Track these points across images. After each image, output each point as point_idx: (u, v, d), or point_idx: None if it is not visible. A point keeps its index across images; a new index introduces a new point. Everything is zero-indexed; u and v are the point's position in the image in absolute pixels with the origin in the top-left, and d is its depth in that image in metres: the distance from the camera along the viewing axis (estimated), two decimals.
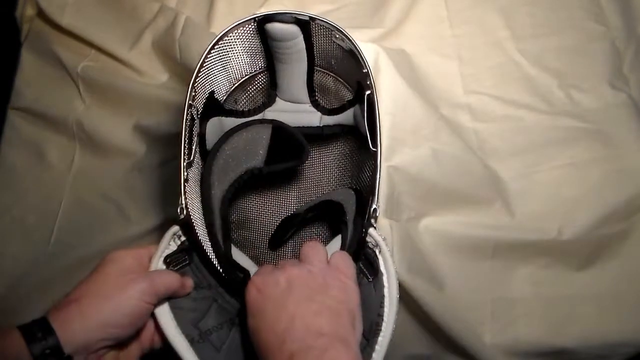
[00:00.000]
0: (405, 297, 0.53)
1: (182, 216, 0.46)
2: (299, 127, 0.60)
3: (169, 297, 0.44)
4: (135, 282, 0.41)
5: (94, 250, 0.64)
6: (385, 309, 0.43)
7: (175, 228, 0.46)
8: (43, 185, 0.70)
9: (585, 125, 0.66)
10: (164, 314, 0.43)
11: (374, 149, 0.49)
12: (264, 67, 0.61)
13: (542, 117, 0.67)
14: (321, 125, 0.60)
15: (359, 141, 0.55)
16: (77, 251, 0.65)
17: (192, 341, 0.42)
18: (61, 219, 0.68)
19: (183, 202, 0.47)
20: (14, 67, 0.74)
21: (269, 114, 0.61)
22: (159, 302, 0.43)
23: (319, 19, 0.52)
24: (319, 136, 0.60)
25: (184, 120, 0.49)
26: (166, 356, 0.44)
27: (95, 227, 0.66)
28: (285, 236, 0.59)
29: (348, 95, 0.59)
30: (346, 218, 0.50)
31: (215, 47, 0.52)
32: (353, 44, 0.52)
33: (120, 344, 0.42)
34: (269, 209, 0.62)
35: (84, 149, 0.71)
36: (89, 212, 0.68)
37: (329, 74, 0.60)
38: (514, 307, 0.58)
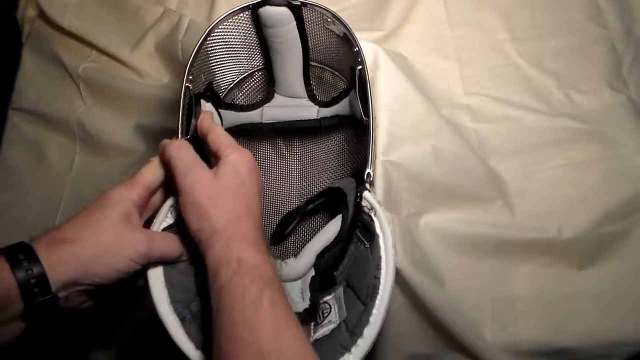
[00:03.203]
0: (408, 292, 0.53)
1: None
2: (296, 120, 0.60)
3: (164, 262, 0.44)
4: (134, 242, 0.41)
5: None
6: (382, 271, 0.43)
7: (172, 200, 0.46)
8: (43, 185, 0.70)
9: (585, 126, 0.67)
10: (159, 291, 0.42)
11: (366, 119, 0.50)
12: (262, 65, 0.61)
13: (542, 118, 0.68)
14: (319, 117, 0.60)
15: (356, 130, 0.56)
16: None
17: (183, 320, 0.42)
18: (61, 219, 0.68)
19: None
20: (15, 67, 0.75)
21: (268, 109, 0.62)
22: (153, 265, 0.43)
23: (310, 3, 0.53)
24: (317, 129, 0.61)
25: (182, 99, 0.49)
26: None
27: None
28: (286, 230, 0.59)
29: (343, 86, 0.60)
30: (347, 200, 0.50)
31: (212, 34, 0.53)
32: (344, 24, 0.53)
33: None
34: (270, 204, 0.63)
35: (85, 149, 0.72)
36: None
37: (324, 68, 0.61)
38: (515, 306, 0.58)
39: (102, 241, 0.40)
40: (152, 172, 0.46)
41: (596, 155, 0.65)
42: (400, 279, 0.52)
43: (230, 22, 0.55)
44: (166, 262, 0.44)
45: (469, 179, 0.61)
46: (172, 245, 0.44)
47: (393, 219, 0.54)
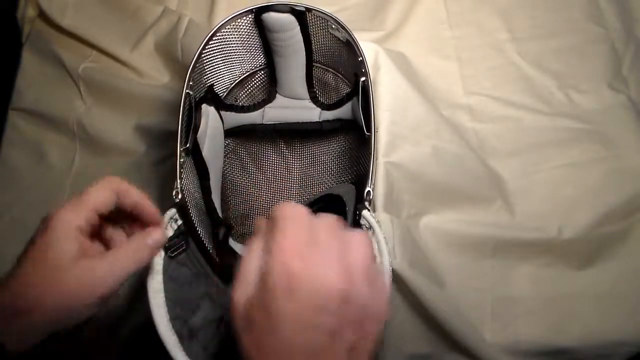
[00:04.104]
0: (408, 293, 0.53)
1: (177, 199, 0.46)
2: (298, 122, 0.60)
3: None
4: (95, 284, 0.35)
5: None
6: None
7: (172, 211, 0.46)
8: (44, 185, 0.70)
9: (585, 126, 0.67)
10: (159, 308, 0.42)
11: (367, 134, 0.50)
12: (264, 64, 0.61)
13: (542, 118, 0.68)
14: (320, 120, 0.60)
15: (358, 135, 0.56)
16: None
17: (181, 338, 0.42)
18: None
19: (179, 185, 0.47)
20: (15, 67, 0.75)
21: (269, 110, 0.61)
22: (152, 278, 0.41)
23: (315, 10, 0.53)
24: (318, 131, 0.61)
25: (182, 106, 0.49)
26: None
27: None
28: None
29: (346, 90, 0.60)
30: (346, 209, 0.50)
31: (214, 38, 0.53)
32: (348, 32, 0.53)
33: None
34: (270, 205, 0.63)
35: (85, 149, 0.71)
36: None
37: (327, 70, 0.61)
38: (514, 306, 0.58)
39: (60, 300, 0.34)
40: (101, 192, 0.38)
41: (596, 155, 0.65)
42: (400, 279, 0.52)
43: (233, 25, 0.55)
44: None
45: (469, 179, 0.61)
46: (136, 256, 0.38)
47: (392, 220, 0.54)
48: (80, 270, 0.35)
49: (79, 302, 0.35)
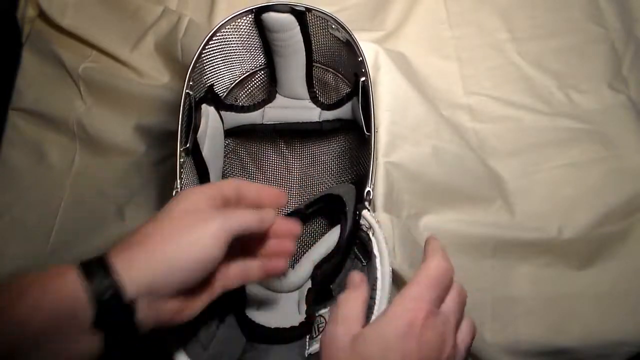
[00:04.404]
0: None
1: None
2: (298, 122, 0.60)
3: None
4: (206, 221, 0.36)
5: (93, 250, 0.64)
6: (378, 292, 0.42)
7: None
8: (43, 185, 0.70)
9: (585, 126, 0.67)
10: None
11: (367, 134, 0.50)
12: (264, 64, 0.61)
13: (542, 118, 0.68)
14: (320, 120, 0.60)
15: (358, 135, 0.56)
16: (77, 251, 0.65)
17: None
18: (61, 219, 0.68)
19: (179, 185, 0.47)
20: (15, 67, 0.74)
21: (269, 110, 0.62)
22: None
23: (314, 10, 0.53)
24: (318, 131, 0.61)
25: (182, 106, 0.49)
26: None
27: (95, 226, 0.66)
28: None
29: (346, 90, 0.60)
30: (346, 209, 0.50)
31: (214, 38, 0.53)
32: (348, 32, 0.53)
33: (186, 292, 0.37)
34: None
35: (85, 150, 0.71)
36: (89, 212, 0.67)
37: (327, 70, 0.61)
38: (514, 306, 0.58)
39: (170, 231, 0.36)
40: (225, 182, 0.42)
41: (596, 155, 0.65)
42: (400, 279, 0.52)
43: (233, 25, 0.55)
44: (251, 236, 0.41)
45: (469, 179, 0.61)
46: (249, 214, 0.39)
47: (392, 220, 0.54)
48: (190, 217, 0.37)
49: (187, 241, 0.36)
